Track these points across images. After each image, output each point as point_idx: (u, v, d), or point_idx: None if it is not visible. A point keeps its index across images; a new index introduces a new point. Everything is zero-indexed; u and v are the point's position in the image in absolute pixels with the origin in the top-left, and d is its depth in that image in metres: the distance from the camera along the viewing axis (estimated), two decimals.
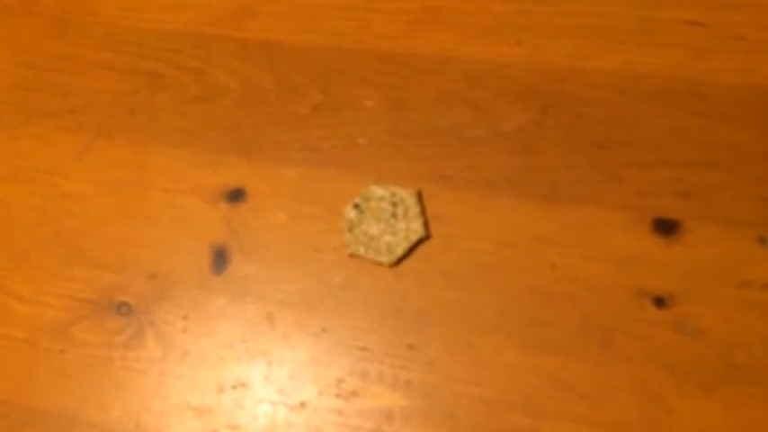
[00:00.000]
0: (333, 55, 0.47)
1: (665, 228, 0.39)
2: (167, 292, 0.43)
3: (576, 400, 0.36)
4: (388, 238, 0.41)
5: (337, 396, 0.39)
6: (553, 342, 0.37)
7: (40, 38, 0.52)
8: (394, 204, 0.42)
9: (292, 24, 0.48)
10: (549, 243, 0.40)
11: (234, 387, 0.41)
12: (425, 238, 0.41)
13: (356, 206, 0.42)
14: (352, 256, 0.42)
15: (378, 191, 0.42)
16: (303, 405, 0.40)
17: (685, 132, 0.41)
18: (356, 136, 0.45)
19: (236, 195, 0.45)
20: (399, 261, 0.41)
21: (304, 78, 0.47)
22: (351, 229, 0.42)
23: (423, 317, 0.40)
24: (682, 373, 0.36)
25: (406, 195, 0.42)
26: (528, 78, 0.44)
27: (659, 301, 0.38)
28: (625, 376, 0.36)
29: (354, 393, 0.39)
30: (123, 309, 0.43)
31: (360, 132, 0.45)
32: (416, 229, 0.41)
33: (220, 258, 0.43)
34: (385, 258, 0.41)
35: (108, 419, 0.41)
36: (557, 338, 0.37)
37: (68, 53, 0.51)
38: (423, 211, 0.42)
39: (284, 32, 0.48)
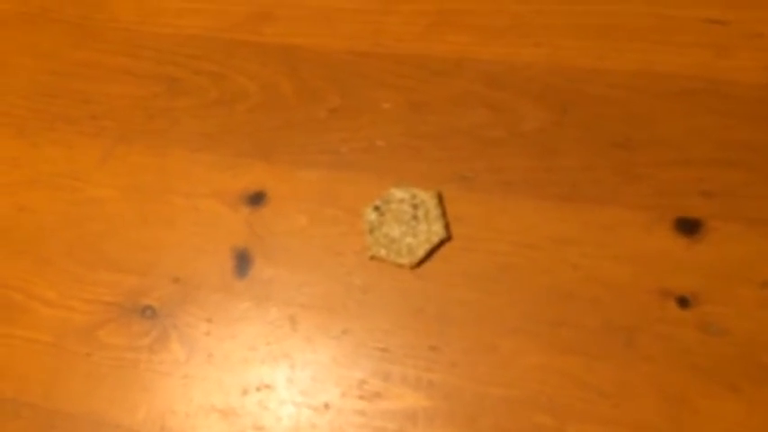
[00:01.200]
0: (350, 58, 0.47)
1: (688, 227, 0.39)
2: (191, 295, 0.44)
3: (600, 400, 0.36)
4: (409, 240, 0.41)
5: (360, 397, 0.40)
6: (576, 343, 0.37)
7: (61, 45, 0.53)
8: (414, 206, 0.42)
9: (310, 28, 0.49)
10: (570, 243, 0.40)
11: (258, 389, 0.41)
12: (446, 239, 0.41)
13: (377, 208, 0.42)
14: (373, 258, 0.42)
15: (398, 193, 0.43)
16: (326, 406, 0.40)
17: (706, 131, 0.41)
18: (375, 138, 0.45)
19: (257, 199, 0.45)
20: (420, 263, 0.41)
21: (322, 82, 0.47)
22: (371, 232, 0.42)
23: (444, 318, 0.40)
24: (706, 372, 0.36)
25: (427, 197, 0.42)
26: (546, 79, 0.44)
27: (682, 301, 0.37)
28: (649, 376, 0.36)
29: (377, 394, 0.39)
30: (148, 312, 0.44)
31: (378, 135, 0.45)
32: (437, 230, 0.41)
33: (243, 262, 0.44)
34: (406, 260, 0.41)
35: (134, 421, 0.41)
36: (579, 339, 0.38)
37: (89, 59, 0.51)
38: (443, 213, 0.42)
39: (302, 36, 0.49)
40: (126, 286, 0.44)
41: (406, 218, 0.42)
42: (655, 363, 0.36)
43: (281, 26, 0.49)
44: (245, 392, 0.41)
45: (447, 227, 0.42)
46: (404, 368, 0.40)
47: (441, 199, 0.42)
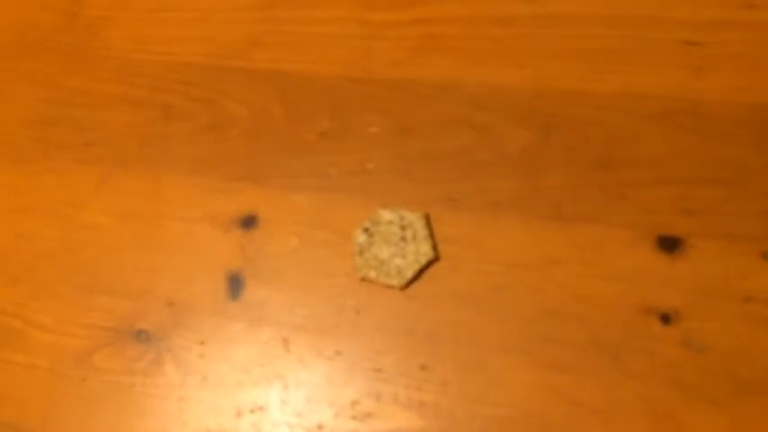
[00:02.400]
0: (339, 83, 0.48)
1: (669, 245, 0.40)
2: (184, 318, 0.44)
3: (589, 417, 0.37)
4: (398, 261, 0.42)
5: (353, 418, 0.40)
6: (564, 360, 0.38)
7: (56, 73, 0.54)
8: (403, 228, 0.43)
9: (299, 54, 0.50)
10: (556, 262, 0.41)
11: (252, 411, 0.42)
12: (435, 260, 0.42)
13: (366, 230, 0.43)
14: (363, 279, 0.43)
15: (386, 215, 0.43)
16: (320, 427, 0.41)
17: (686, 150, 0.42)
18: (364, 161, 0.46)
19: (249, 222, 0.46)
20: (410, 283, 0.42)
21: (311, 106, 0.48)
22: (361, 254, 0.43)
23: (435, 338, 0.41)
24: (689, 388, 0.37)
25: (415, 218, 0.43)
26: (530, 100, 0.45)
27: (665, 318, 0.38)
28: (635, 393, 0.37)
29: (369, 415, 0.40)
30: (142, 336, 0.44)
31: (367, 158, 0.46)
32: (426, 251, 0.42)
33: (235, 284, 0.45)
34: (396, 281, 0.42)
35: None
36: (567, 357, 0.38)
37: (83, 87, 0.52)
38: (431, 234, 0.43)
39: (291, 62, 0.50)
40: (121, 311, 0.45)
41: (394, 239, 0.43)
42: (640, 379, 0.37)
43: (271, 52, 0.50)
44: (239, 414, 0.42)
45: (435, 247, 0.42)
46: (396, 388, 0.40)
47: (428, 220, 0.43)
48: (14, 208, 0.50)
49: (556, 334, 0.39)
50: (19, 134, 0.53)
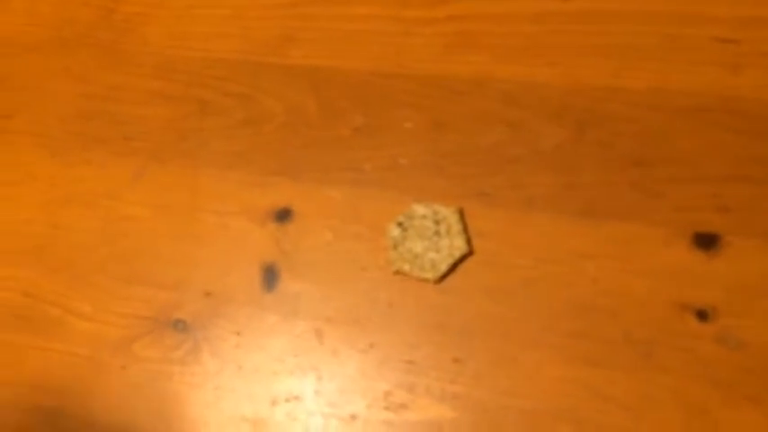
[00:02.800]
0: (373, 79, 0.49)
1: (705, 242, 0.40)
2: (221, 309, 0.45)
3: (621, 412, 0.37)
4: (431, 255, 0.43)
5: (386, 408, 0.41)
6: (596, 355, 0.39)
7: (95, 68, 0.55)
8: (437, 222, 0.43)
9: (333, 51, 0.50)
10: (589, 258, 0.41)
11: (287, 400, 0.43)
12: (468, 254, 0.43)
13: (400, 224, 0.44)
14: (397, 273, 0.43)
15: (420, 209, 0.44)
16: (353, 417, 0.41)
17: (721, 147, 0.42)
18: (397, 156, 0.46)
19: (283, 215, 0.47)
20: (443, 277, 0.43)
21: (346, 102, 0.49)
22: (395, 247, 0.43)
23: (467, 331, 0.41)
24: (726, 385, 0.37)
25: (449, 213, 0.43)
26: (563, 97, 0.45)
27: (701, 315, 0.38)
28: (669, 389, 0.37)
29: (403, 406, 0.41)
30: (180, 326, 0.45)
31: (401, 153, 0.46)
32: (460, 245, 0.42)
33: (270, 276, 0.45)
34: (429, 275, 0.42)
35: None
36: (600, 352, 0.39)
37: (121, 82, 0.54)
38: (465, 228, 0.43)
39: (326, 58, 0.50)
40: (159, 301, 0.46)
41: (428, 233, 0.43)
42: (675, 375, 0.37)
43: (306, 49, 0.51)
44: (274, 403, 0.43)
45: (469, 242, 0.43)
46: (428, 380, 0.41)
47: (462, 214, 0.44)
48: (53, 200, 0.51)
49: (588, 329, 0.40)
50: (58, 128, 0.54)
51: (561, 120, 0.44)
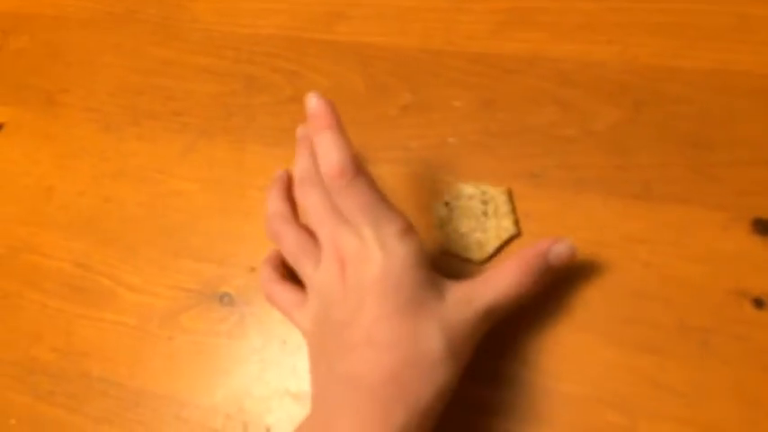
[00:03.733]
0: (422, 56, 0.48)
1: (765, 228, 0.38)
2: None
3: (674, 399, 0.36)
4: (478, 235, 0.42)
5: None
6: (648, 342, 0.38)
7: (144, 44, 0.56)
8: (484, 202, 0.43)
9: (382, 27, 0.50)
10: (641, 242, 0.40)
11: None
12: (516, 235, 0.42)
13: (446, 204, 0.43)
14: (443, 253, 0.43)
15: (467, 189, 0.43)
16: None
17: None
18: (445, 135, 0.46)
19: None
20: (490, 258, 0.42)
21: (394, 79, 0.48)
22: (441, 227, 0.43)
23: (513, 314, 0.41)
24: None
25: (497, 193, 0.43)
26: (619, 76, 0.44)
27: (758, 302, 0.37)
28: (724, 378, 0.36)
29: None
30: (226, 299, 0.46)
31: (449, 132, 0.46)
32: (507, 227, 0.42)
33: None
34: (476, 255, 0.42)
35: (214, 402, 0.43)
36: (652, 338, 0.38)
37: (171, 58, 0.54)
38: (513, 209, 0.42)
39: (374, 35, 0.50)
40: (206, 274, 0.47)
41: (475, 213, 0.43)
42: (730, 363, 0.36)
43: (354, 25, 0.51)
44: None
45: (517, 223, 0.42)
46: (472, 361, 0.40)
47: (510, 195, 0.43)
48: (104, 173, 0.52)
49: (640, 315, 0.39)
50: (108, 102, 0.55)
51: (616, 100, 0.43)
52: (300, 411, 0.42)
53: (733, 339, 0.37)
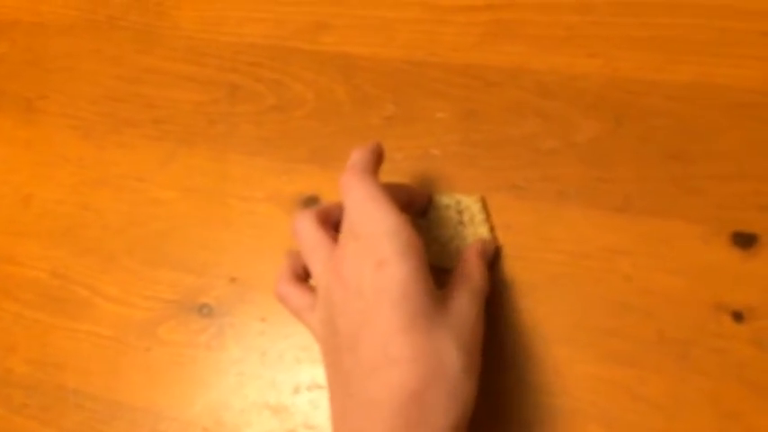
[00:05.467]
0: (405, 67, 0.48)
1: (745, 241, 0.39)
2: (246, 295, 0.45)
3: (653, 412, 0.36)
4: (457, 243, 0.42)
5: None
6: (628, 354, 0.38)
7: (126, 51, 0.55)
8: (459, 212, 0.43)
9: (366, 38, 0.50)
10: (623, 254, 0.40)
11: (309, 388, 0.42)
12: (492, 242, 0.42)
13: (423, 215, 0.43)
14: None
15: (443, 199, 0.43)
16: None
17: (764, 145, 0.40)
18: (428, 147, 0.46)
19: (310, 203, 0.47)
20: None
21: (377, 90, 0.48)
22: (419, 237, 0.42)
23: (497, 326, 0.40)
24: (760, 387, 0.36)
25: (470, 202, 0.43)
26: (601, 90, 0.44)
27: (737, 316, 0.37)
28: (703, 390, 0.36)
29: None
30: (205, 310, 0.45)
31: (432, 143, 0.46)
32: (483, 234, 0.42)
33: None
34: (456, 264, 0.42)
35: (191, 415, 0.43)
36: (632, 351, 0.38)
37: (152, 65, 0.54)
38: (488, 217, 0.42)
39: (358, 45, 0.50)
40: (185, 285, 0.46)
41: (452, 223, 0.43)
42: (709, 376, 0.36)
43: (338, 35, 0.50)
44: (296, 391, 0.43)
45: (492, 230, 0.42)
46: None
47: (485, 203, 0.43)
48: (83, 181, 0.52)
49: (621, 328, 0.39)
50: (89, 110, 0.54)
51: (598, 112, 0.43)
52: (279, 425, 0.42)
53: (712, 352, 0.37)
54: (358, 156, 0.38)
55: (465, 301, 0.36)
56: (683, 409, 0.36)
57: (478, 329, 0.36)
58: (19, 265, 0.50)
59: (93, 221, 0.50)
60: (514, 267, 0.41)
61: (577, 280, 0.40)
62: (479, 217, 0.42)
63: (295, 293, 0.39)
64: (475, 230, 0.42)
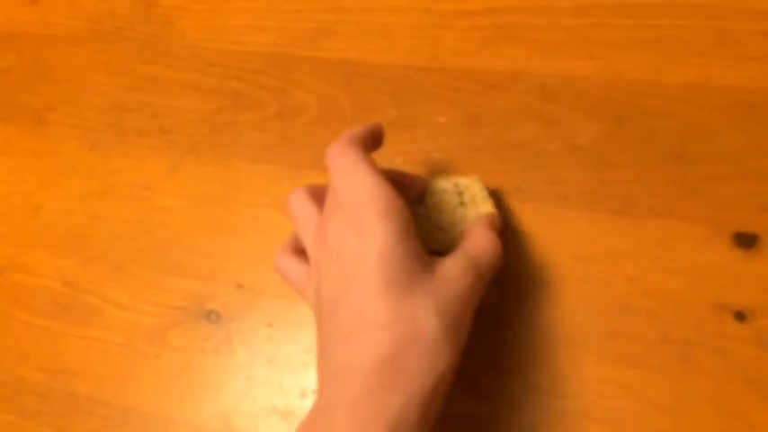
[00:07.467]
0: (406, 73, 0.48)
1: (746, 242, 0.39)
2: (253, 301, 0.46)
3: (656, 413, 0.36)
4: (459, 227, 0.41)
5: None
6: (632, 356, 0.38)
7: (132, 61, 0.56)
8: (459, 194, 0.42)
9: (367, 44, 0.50)
10: (626, 257, 0.40)
11: (315, 392, 0.43)
12: (497, 217, 0.41)
13: (422, 202, 0.42)
14: (428, 252, 0.42)
15: (440, 183, 0.42)
16: None
17: (764, 145, 0.40)
18: (430, 151, 0.46)
19: None
20: None
21: (379, 96, 0.49)
22: (421, 226, 0.42)
23: (501, 327, 0.41)
24: (763, 387, 0.36)
25: (470, 182, 0.42)
26: (602, 92, 0.44)
27: (740, 316, 0.37)
28: (706, 391, 0.36)
29: None
30: (213, 316, 0.46)
31: (434, 148, 0.46)
32: (488, 209, 0.41)
33: None
34: None
35: (201, 420, 0.43)
36: (636, 352, 0.38)
37: (158, 75, 0.54)
38: (490, 194, 0.42)
39: (359, 52, 0.50)
40: (192, 291, 0.47)
41: (452, 206, 0.42)
42: (711, 377, 0.37)
43: (339, 42, 0.51)
44: (303, 395, 0.43)
45: (495, 206, 0.41)
46: (462, 376, 0.41)
47: (483, 183, 0.42)
48: (91, 191, 0.52)
49: (624, 329, 0.39)
50: (96, 120, 0.55)
51: (599, 114, 0.44)
52: (287, 429, 0.42)
53: (715, 353, 0.37)
54: (349, 131, 0.38)
55: (457, 268, 0.35)
56: (686, 410, 0.36)
57: (469, 298, 0.34)
58: (29, 274, 0.51)
59: (102, 230, 0.51)
60: (517, 270, 0.42)
61: (580, 282, 0.40)
62: (481, 194, 0.41)
63: (292, 265, 0.39)
64: (477, 209, 0.41)
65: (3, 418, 0.47)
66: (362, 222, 0.33)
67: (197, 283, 0.47)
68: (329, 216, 0.36)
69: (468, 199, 0.41)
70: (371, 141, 0.39)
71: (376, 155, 0.47)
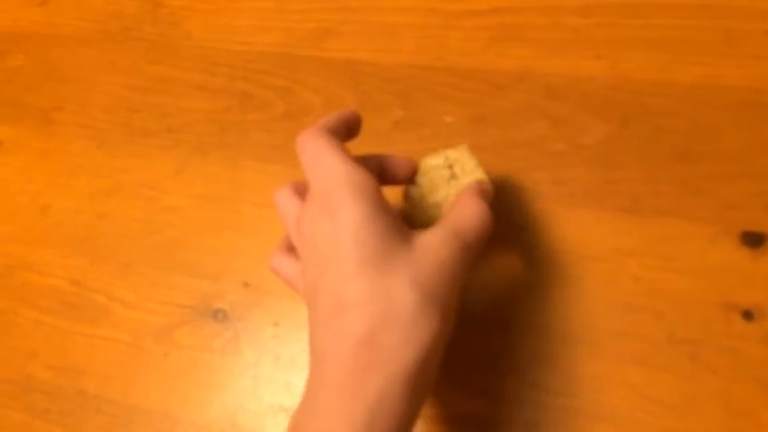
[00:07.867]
0: (413, 72, 0.49)
1: (753, 241, 0.39)
2: (259, 300, 0.46)
3: (664, 412, 0.36)
4: (453, 200, 0.39)
5: None
6: (638, 355, 0.38)
7: (139, 61, 0.56)
8: (449, 166, 0.41)
9: (373, 43, 0.50)
10: (631, 255, 0.40)
11: None
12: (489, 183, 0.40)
13: (415, 183, 0.41)
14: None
15: (430, 161, 0.41)
16: None
17: None
18: (437, 150, 0.46)
19: None
20: None
21: (385, 95, 0.49)
22: (415, 207, 0.41)
23: (505, 326, 0.41)
24: None
25: (459, 153, 0.41)
26: (607, 91, 0.44)
27: (747, 315, 0.37)
28: (713, 390, 0.36)
29: (437, 397, 0.41)
30: (220, 315, 0.46)
31: (441, 147, 0.46)
32: (479, 177, 0.40)
33: None
34: None
35: (208, 418, 0.44)
36: (642, 351, 0.38)
37: (166, 75, 0.55)
38: (479, 163, 0.41)
39: (365, 51, 0.50)
40: (200, 290, 0.47)
41: (444, 179, 0.41)
42: (719, 376, 0.37)
43: (346, 42, 0.51)
44: None
45: (486, 174, 0.40)
46: (465, 375, 0.41)
47: (471, 151, 0.41)
48: (99, 190, 0.53)
49: (631, 328, 0.39)
50: (104, 119, 0.55)
51: (605, 114, 0.44)
52: None
53: (722, 351, 0.37)
54: (322, 119, 0.38)
55: (437, 238, 0.34)
56: (693, 409, 0.36)
57: (451, 267, 0.33)
58: (38, 273, 0.51)
59: (110, 229, 0.51)
60: (524, 269, 0.42)
61: (587, 281, 0.41)
62: (471, 163, 0.40)
63: (285, 263, 0.39)
64: (468, 180, 0.40)
65: (11, 415, 0.47)
66: (333, 206, 0.33)
67: (204, 283, 0.47)
68: (306, 206, 0.36)
69: (458, 170, 0.41)
70: (345, 130, 0.39)
71: (383, 151, 0.47)
